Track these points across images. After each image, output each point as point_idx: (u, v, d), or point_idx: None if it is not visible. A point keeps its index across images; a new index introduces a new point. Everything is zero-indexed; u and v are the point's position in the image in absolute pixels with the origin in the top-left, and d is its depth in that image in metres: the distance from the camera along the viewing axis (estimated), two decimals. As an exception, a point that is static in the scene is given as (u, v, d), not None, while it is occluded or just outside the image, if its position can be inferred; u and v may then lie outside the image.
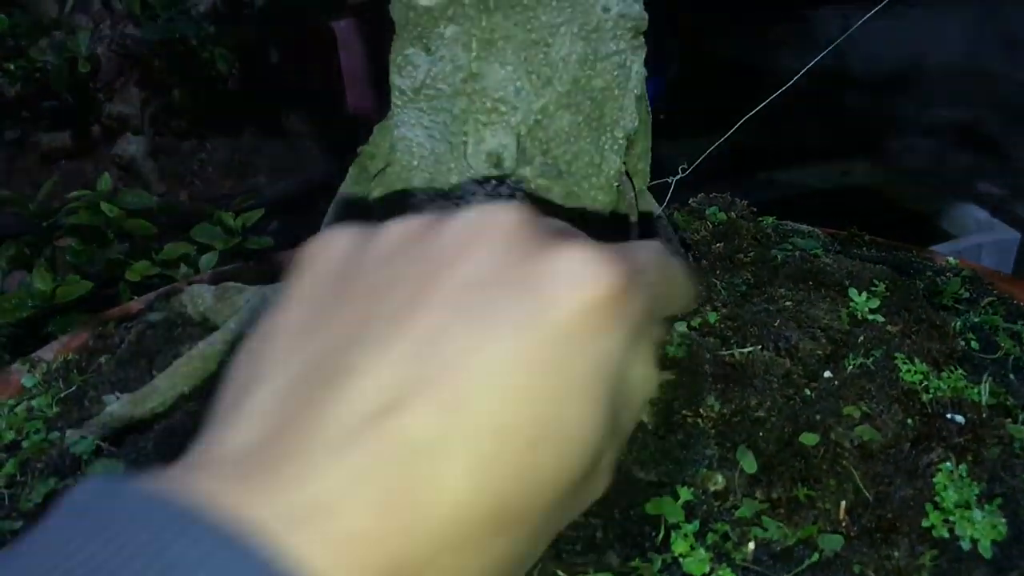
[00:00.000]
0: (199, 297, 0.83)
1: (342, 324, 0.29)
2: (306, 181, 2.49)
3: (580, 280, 0.28)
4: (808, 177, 3.17)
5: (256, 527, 0.24)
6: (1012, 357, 0.86)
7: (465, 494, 0.26)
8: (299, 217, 2.26)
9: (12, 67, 2.35)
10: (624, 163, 0.73)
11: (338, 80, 2.76)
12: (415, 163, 0.71)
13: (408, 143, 0.71)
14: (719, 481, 0.67)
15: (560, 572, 0.61)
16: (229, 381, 0.31)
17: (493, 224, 0.30)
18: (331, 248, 0.32)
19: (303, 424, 0.26)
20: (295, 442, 0.26)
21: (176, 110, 2.52)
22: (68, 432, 0.74)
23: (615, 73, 0.69)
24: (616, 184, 0.72)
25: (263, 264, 1.02)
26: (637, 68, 0.71)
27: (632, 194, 0.73)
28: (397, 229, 0.32)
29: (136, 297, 1.04)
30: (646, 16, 0.69)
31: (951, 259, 1.07)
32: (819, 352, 0.76)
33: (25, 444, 0.77)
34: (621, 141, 0.70)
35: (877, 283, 0.88)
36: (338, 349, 0.28)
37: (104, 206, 1.59)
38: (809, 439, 0.68)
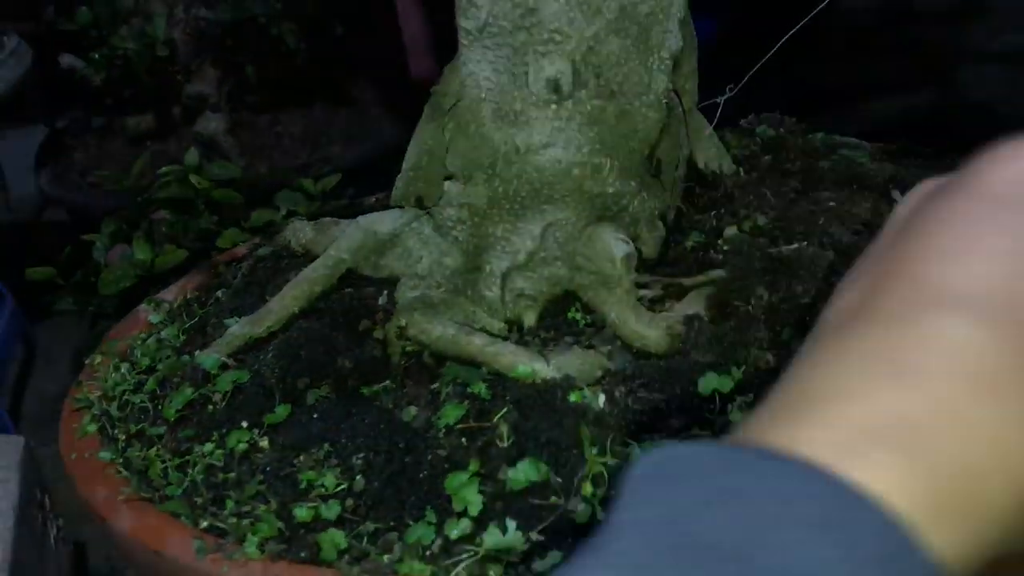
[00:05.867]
0: (300, 231, 0.93)
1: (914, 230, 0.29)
2: (378, 146, 2.59)
3: None
4: (876, 112, 3.16)
5: (826, 456, 0.24)
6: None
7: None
8: (373, 181, 2.37)
9: (96, 56, 2.49)
10: (672, 82, 0.81)
11: (401, 48, 2.86)
12: (483, 95, 0.80)
13: (475, 78, 0.80)
14: (769, 360, 0.75)
15: (628, 439, 0.70)
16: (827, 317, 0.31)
17: None
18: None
19: (866, 343, 0.27)
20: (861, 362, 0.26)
21: (251, 86, 2.64)
22: (197, 353, 0.85)
23: None
24: (665, 101, 0.80)
25: (351, 207, 1.12)
26: (679, -6, 0.78)
27: (681, 110, 0.80)
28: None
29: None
30: (684, -54, 0.76)
31: None
32: (862, 245, 0.83)
33: (160, 367, 0.89)
34: (668, 61, 0.78)
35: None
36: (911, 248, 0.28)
37: (193, 178, 1.70)
38: (851, 318, 0.75)
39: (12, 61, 2.40)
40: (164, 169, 1.75)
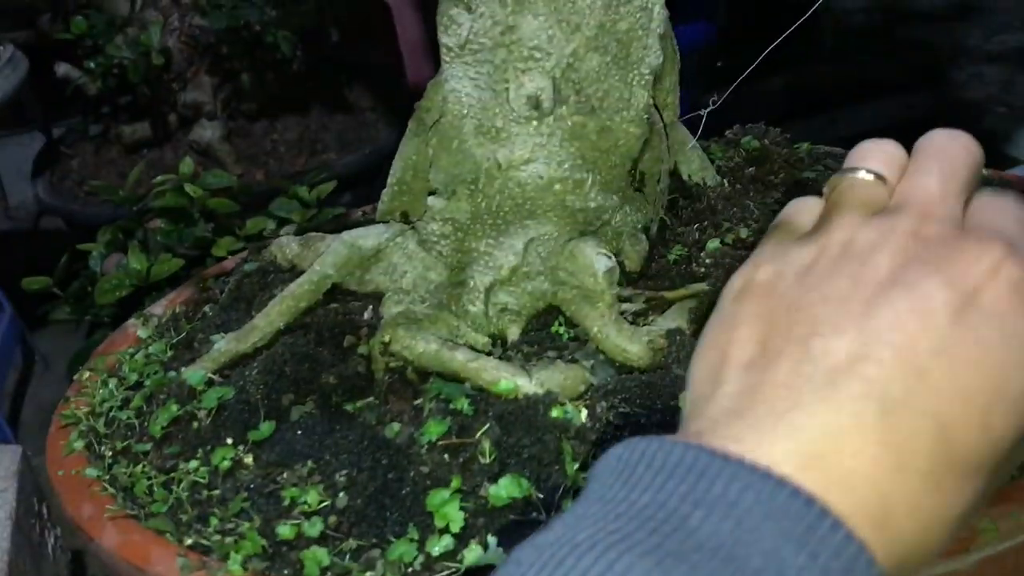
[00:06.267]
0: (287, 247, 0.94)
1: (801, 300, 0.33)
2: (374, 153, 2.60)
3: (996, 262, 0.32)
4: (872, 113, 3.16)
5: (774, 468, 0.28)
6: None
7: (938, 445, 0.29)
8: (369, 188, 2.38)
9: (92, 65, 2.49)
10: (653, 97, 0.81)
11: (397, 54, 2.86)
12: (464, 112, 0.81)
13: (457, 94, 0.80)
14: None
15: (612, 454, 0.71)
16: (708, 336, 0.35)
17: (901, 227, 0.34)
18: (798, 213, 0.38)
19: (785, 376, 0.31)
20: (784, 393, 0.31)
21: (246, 94, 2.65)
22: (183, 369, 0.86)
23: (638, 15, 0.77)
24: (646, 117, 0.80)
25: (338, 221, 1.12)
26: (658, 9, 0.78)
27: (662, 125, 0.80)
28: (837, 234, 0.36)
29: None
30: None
31: (983, 171, 1.12)
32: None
33: (147, 383, 0.89)
34: (648, 77, 0.78)
35: (903, 195, 0.94)
36: (801, 317, 0.32)
37: (188, 187, 1.70)
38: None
39: (8, 70, 2.41)
40: (159, 178, 1.75)
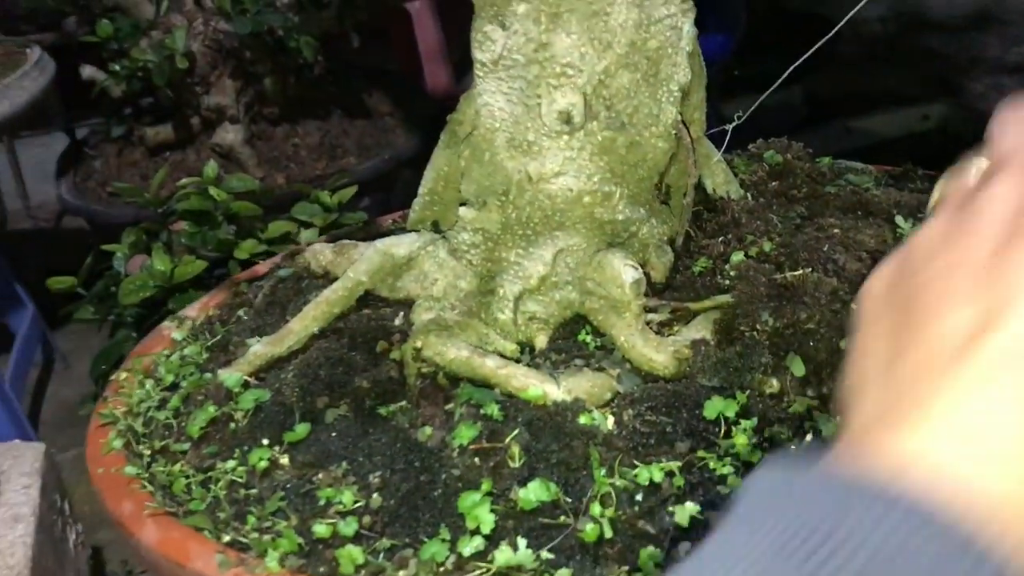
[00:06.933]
0: (320, 254, 0.96)
1: (924, 281, 0.33)
2: (393, 158, 2.63)
3: None
4: (888, 123, 3.17)
5: (927, 470, 0.28)
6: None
7: None
8: (389, 192, 2.40)
9: (117, 68, 2.53)
10: (680, 113, 0.83)
11: (416, 60, 2.89)
12: (497, 125, 0.83)
13: (490, 108, 0.83)
14: (774, 385, 0.77)
15: (636, 461, 0.73)
16: (852, 345, 0.35)
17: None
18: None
19: (913, 369, 0.31)
20: (918, 386, 0.30)
21: (268, 98, 2.68)
22: (220, 371, 0.88)
23: (667, 34, 0.79)
24: (674, 132, 0.83)
25: (368, 228, 1.15)
26: (688, 28, 0.81)
27: (689, 140, 0.83)
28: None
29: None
30: (693, -18, 0.79)
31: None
32: (865, 272, 0.86)
33: (183, 384, 0.92)
34: (676, 93, 0.81)
35: (924, 210, 0.96)
36: (924, 295, 0.32)
37: (212, 191, 1.72)
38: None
39: (35, 72, 2.44)
40: (183, 181, 1.77)
